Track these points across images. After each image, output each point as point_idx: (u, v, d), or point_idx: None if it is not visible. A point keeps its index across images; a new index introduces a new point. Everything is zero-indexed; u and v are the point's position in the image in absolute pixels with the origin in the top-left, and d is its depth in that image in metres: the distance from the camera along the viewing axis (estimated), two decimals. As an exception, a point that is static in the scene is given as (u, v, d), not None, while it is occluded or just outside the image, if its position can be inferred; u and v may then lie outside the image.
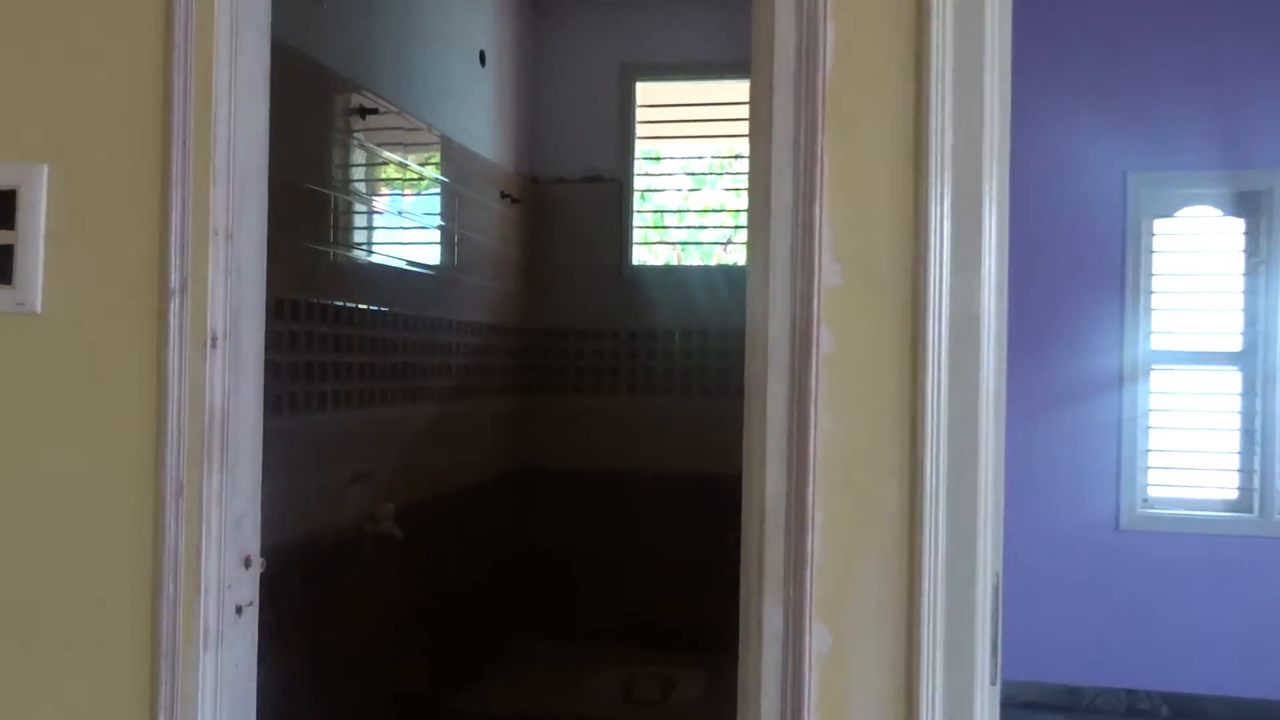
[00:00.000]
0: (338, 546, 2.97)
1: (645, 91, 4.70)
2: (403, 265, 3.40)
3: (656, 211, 4.74)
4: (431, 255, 3.66)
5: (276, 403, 2.64)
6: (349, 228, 3.05)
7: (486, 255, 4.19)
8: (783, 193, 1.21)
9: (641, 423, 4.64)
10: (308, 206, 2.80)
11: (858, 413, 1.21)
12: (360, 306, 3.09)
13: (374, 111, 3.10)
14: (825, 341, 1.21)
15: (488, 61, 4.18)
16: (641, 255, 4.72)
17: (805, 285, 1.20)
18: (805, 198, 1.20)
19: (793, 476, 1.20)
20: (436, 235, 3.71)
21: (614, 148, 4.69)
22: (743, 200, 4.60)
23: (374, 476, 3.15)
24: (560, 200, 4.74)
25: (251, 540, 1.36)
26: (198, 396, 1.30)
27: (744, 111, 4.42)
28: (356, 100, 3.04)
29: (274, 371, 2.63)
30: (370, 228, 3.21)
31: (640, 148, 4.70)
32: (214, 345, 1.29)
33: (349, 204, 3.03)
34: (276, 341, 2.63)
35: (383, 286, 3.27)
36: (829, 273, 1.20)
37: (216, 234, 1.30)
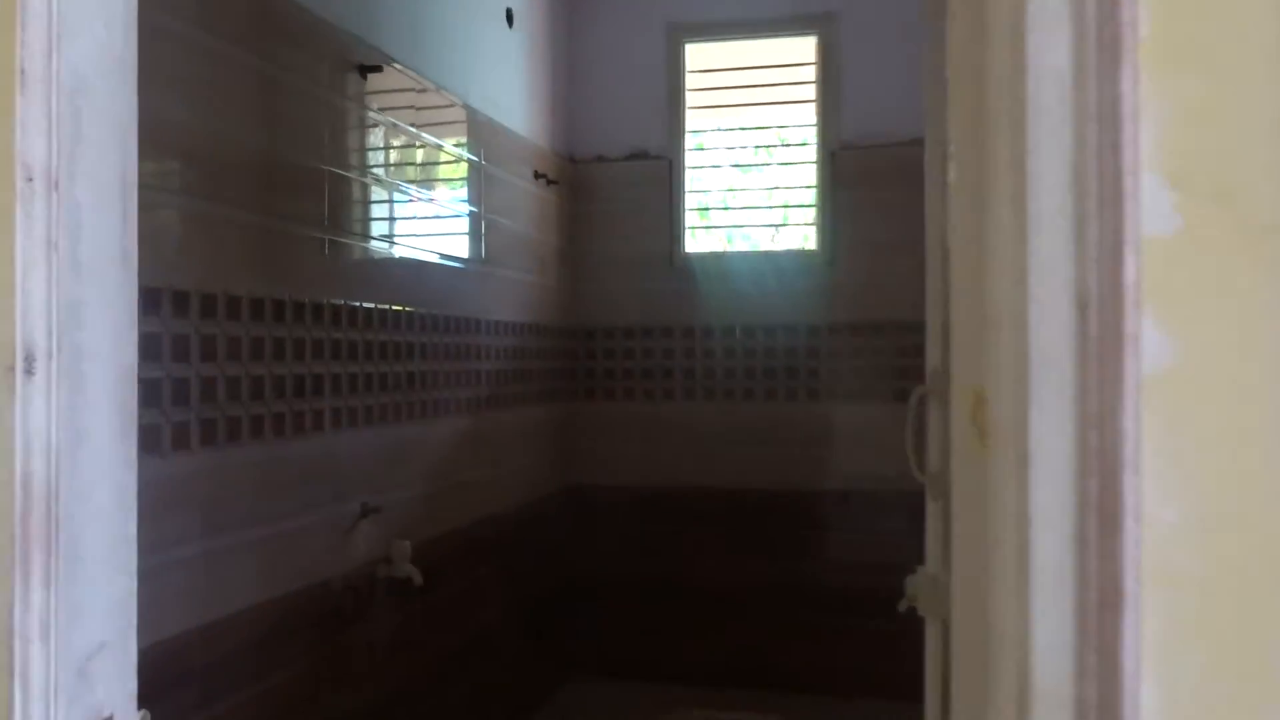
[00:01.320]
0: (343, 599, 2.44)
1: (696, 54, 4.13)
2: (420, 256, 2.87)
3: (711, 192, 4.16)
4: (455, 244, 3.13)
5: (256, 427, 2.11)
6: (350, 209, 2.52)
7: (520, 244, 3.65)
8: (1049, 53, 0.63)
9: (701, 432, 4.08)
10: (294, 182, 2.27)
11: (1228, 492, 0.62)
12: (367, 305, 2.56)
13: (376, 70, 2.56)
14: (1152, 348, 0.63)
15: (516, 22, 3.63)
16: (696, 241, 4.16)
17: (1106, 236, 0.62)
18: (1101, 64, 0.62)
19: (1091, 629, 0.61)
20: (461, 221, 3.17)
21: (662, 120, 4.13)
22: (805, 175, 4.02)
23: (387, 509, 2.62)
24: (602, 181, 4.18)
25: (116, 691, 0.82)
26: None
27: (810, 73, 3.70)
28: (354, 55, 2.51)
29: (252, 388, 2.13)
30: (378, 211, 2.67)
31: (692, 120, 4.13)
32: (28, 371, 0.75)
33: (348, 181, 2.50)
34: (256, 350, 2.10)
35: (395, 281, 2.74)
36: (1155, 213, 0.63)
37: (30, 180, 0.76)
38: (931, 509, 1.28)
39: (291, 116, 2.26)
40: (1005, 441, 0.65)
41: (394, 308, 2.70)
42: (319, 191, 2.37)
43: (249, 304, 2.09)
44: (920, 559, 1.69)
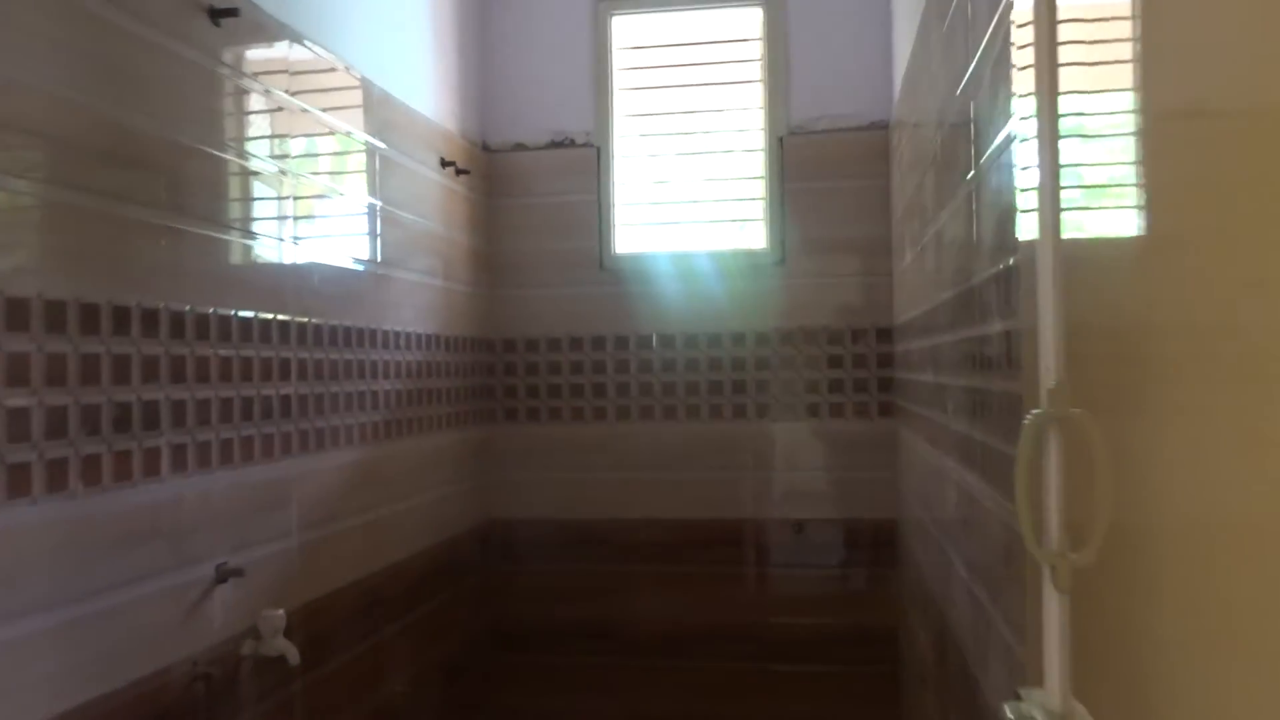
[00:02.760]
0: (193, 691, 1.89)
1: (626, 28, 3.66)
2: (298, 253, 2.33)
3: (646, 185, 3.68)
4: (344, 241, 2.59)
5: (56, 475, 1.55)
6: (199, 191, 1.97)
7: (425, 242, 3.13)
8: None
9: (637, 457, 3.59)
10: (119, 150, 1.73)
11: None
12: (223, 312, 2.02)
13: (230, 14, 2.03)
14: None
15: (417, -18, 3.11)
16: (629, 240, 3.67)
17: None
18: None
19: None
20: (351, 214, 2.64)
21: (588, 103, 3.64)
22: (751, 164, 3.57)
23: (253, 571, 2.07)
24: (521, 172, 3.68)
25: None
26: None
27: (750, 50, 3.18)
28: (203, -5, 1.97)
29: (51, 424, 1.56)
30: (240, 195, 2.13)
31: (622, 103, 3.66)
32: None
33: (198, 155, 1.95)
34: (55, 372, 1.56)
35: (264, 283, 2.19)
36: None
37: None
38: (1053, 603, 0.81)
39: (116, 65, 1.72)
40: None
41: (262, 316, 2.16)
42: (154, 165, 1.82)
43: (43, 308, 1.54)
44: (974, 651, 1.23)
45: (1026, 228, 1.18)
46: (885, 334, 3.44)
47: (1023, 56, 1.17)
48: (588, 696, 3.59)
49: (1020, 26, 1.21)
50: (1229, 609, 0.62)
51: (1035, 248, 0.88)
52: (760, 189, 3.56)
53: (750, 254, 3.57)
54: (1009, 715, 0.86)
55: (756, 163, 3.57)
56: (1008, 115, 1.35)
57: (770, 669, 3.49)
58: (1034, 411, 0.81)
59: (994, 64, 1.47)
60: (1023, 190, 1.18)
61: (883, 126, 3.43)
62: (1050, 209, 0.83)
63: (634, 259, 3.63)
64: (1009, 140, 1.35)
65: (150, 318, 1.79)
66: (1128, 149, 0.79)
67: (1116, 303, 0.77)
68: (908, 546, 3.01)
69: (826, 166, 3.50)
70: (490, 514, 3.63)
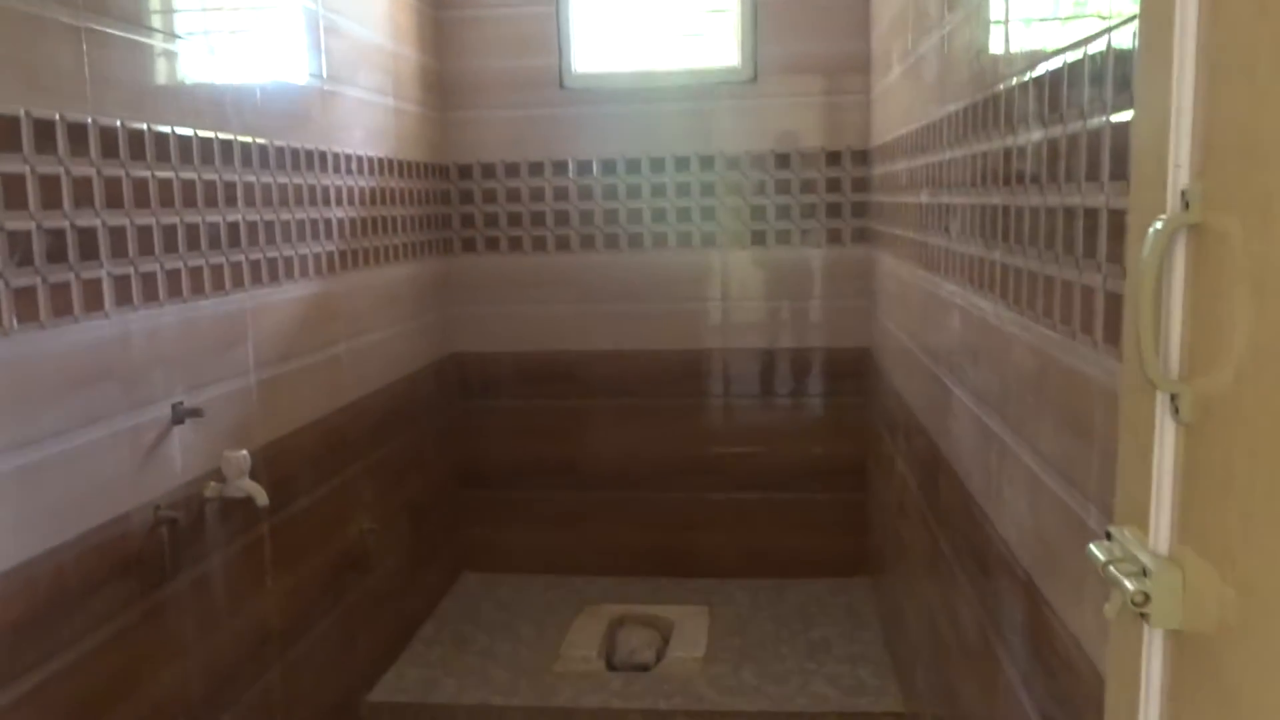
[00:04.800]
0: (153, 538, 1.78)
1: None
2: (236, 62, 2.10)
3: (606, -6, 3.41)
4: (284, 51, 2.35)
5: (-16, 311, 1.39)
6: (121, -12, 1.72)
7: (372, 56, 2.87)
8: None
9: (602, 286, 3.46)
10: (19, -66, 1.48)
11: None
12: (160, 129, 1.81)
13: None
14: None
15: None
16: (590, 58, 3.43)
17: None
18: None
19: None
20: (290, 20, 2.38)
21: (543, -98, 3.32)
22: (726, -27, 3.31)
23: (212, 410, 1.94)
24: (472, -21, 3.38)
25: None
26: None
27: None
28: None
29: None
30: (167, -6, 1.88)
31: (580, -99, 3.34)
32: None
33: (115, -57, 1.70)
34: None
35: (203, 97, 1.97)
36: None
37: None
38: (1169, 436, 0.72)
39: None
40: None
41: (202, 134, 1.95)
42: (66, -46, 1.57)
43: (-48, 120, 1.34)
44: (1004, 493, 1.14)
45: (1100, 22, 1.03)
46: (861, 156, 3.30)
47: None
48: (553, 530, 3.57)
49: None
50: None
51: (1155, 31, 0.75)
52: (731, 1, 3.32)
53: (720, 71, 3.35)
54: (1099, 555, 0.77)
55: (728, -30, 3.31)
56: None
57: (736, 498, 3.49)
58: (1166, 215, 0.69)
59: None
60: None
61: (864, -71, 3.18)
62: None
63: (596, 77, 3.39)
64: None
65: (77, 133, 1.58)
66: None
67: (1250, 105, 0.64)
68: (883, 375, 2.96)
69: (802, -25, 3.25)
70: (451, 349, 3.50)
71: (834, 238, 3.36)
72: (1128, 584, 0.71)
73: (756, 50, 3.30)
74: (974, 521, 1.66)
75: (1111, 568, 0.74)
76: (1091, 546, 0.79)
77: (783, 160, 3.34)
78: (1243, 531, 0.64)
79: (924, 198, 2.23)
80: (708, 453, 3.49)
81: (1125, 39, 0.98)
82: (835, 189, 3.34)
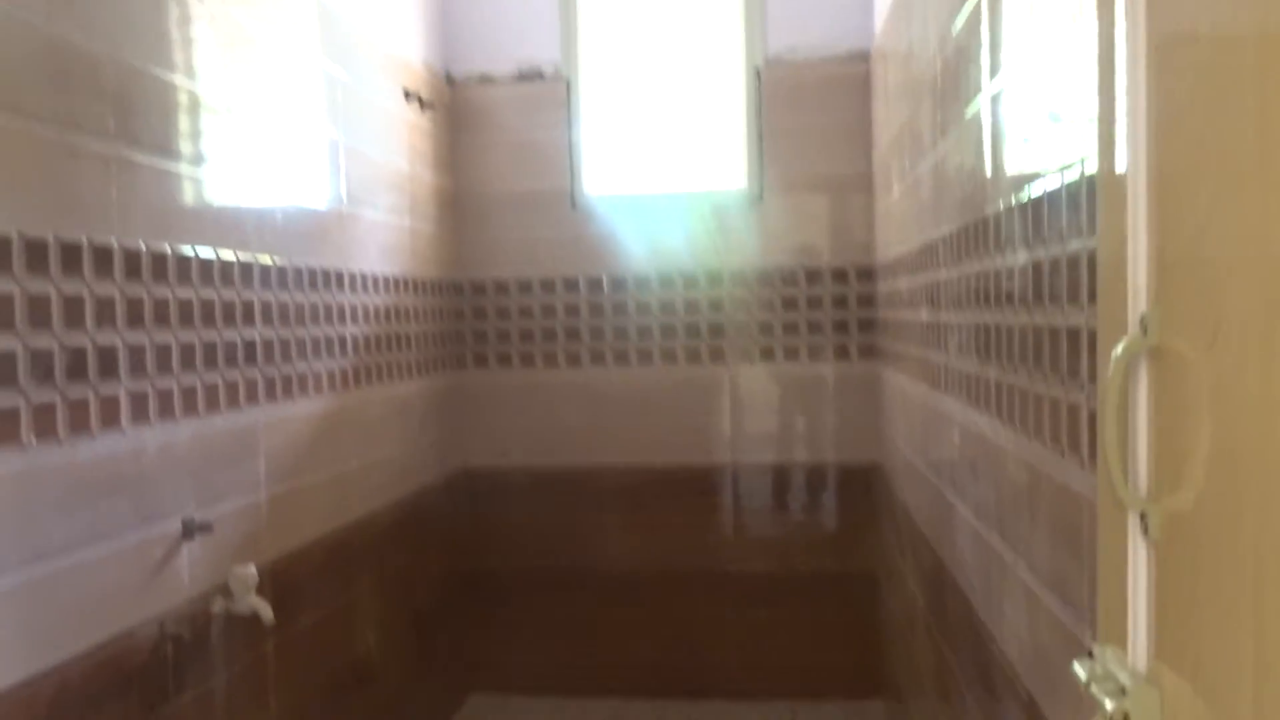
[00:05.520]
0: (161, 652, 1.78)
1: (596, -45, 3.49)
2: (260, 188, 2.19)
3: (618, 120, 3.54)
4: (307, 176, 2.45)
5: (7, 426, 1.43)
6: (152, 118, 1.82)
7: (388, 179, 2.98)
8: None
9: (612, 401, 3.50)
10: (61, 70, 1.57)
11: None
12: (183, 251, 1.88)
13: (183, -75, 1.86)
14: None
15: (376, -99, 2.93)
16: (600, 179, 3.54)
17: None
18: None
19: None
20: (313, 148, 2.49)
21: (557, 34, 3.49)
22: (729, 98, 3.44)
23: (222, 525, 1.96)
24: (487, 106, 3.52)
25: None
26: None
27: None
28: (149, -97, 1.80)
29: (3, 370, 1.44)
30: (195, 125, 1.97)
31: (593, 33, 3.50)
32: None
33: (150, 78, 1.80)
34: (3, 314, 1.43)
35: (226, 220, 2.05)
36: None
37: None
38: (1140, 554, 0.73)
39: (49, -24, 1.56)
40: None
41: (224, 255, 2.02)
42: (101, 88, 1.67)
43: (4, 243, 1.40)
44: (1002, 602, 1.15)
45: (1075, 151, 1.08)
46: (866, 273, 3.36)
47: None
48: (560, 646, 3.53)
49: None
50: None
51: (1110, 167, 0.79)
52: (738, 123, 3.44)
53: (727, 192, 3.46)
54: (1081, 674, 0.78)
55: (733, 96, 3.44)
56: (1042, 36, 1.25)
57: (747, 614, 3.45)
58: (1125, 339, 0.72)
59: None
60: (1087, 113, 1.08)
61: (863, 56, 3.32)
62: (1139, 122, 0.74)
63: (607, 198, 3.50)
64: (1042, 61, 1.26)
65: (103, 255, 1.65)
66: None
67: (1197, 231, 0.68)
68: (893, 490, 2.96)
69: (805, 98, 3.38)
70: (461, 462, 3.53)
71: (841, 353, 3.41)
72: (1108, 704, 0.71)
73: (763, 170, 3.41)
74: (979, 639, 1.65)
75: (1093, 686, 0.75)
76: (1075, 664, 0.80)
77: (790, 277, 3.41)
78: (1212, 648, 0.65)
79: (925, 315, 2.28)
80: (719, 566, 3.47)
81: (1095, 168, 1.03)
82: (842, 305, 3.40)
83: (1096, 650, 0.80)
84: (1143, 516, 0.73)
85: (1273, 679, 0.60)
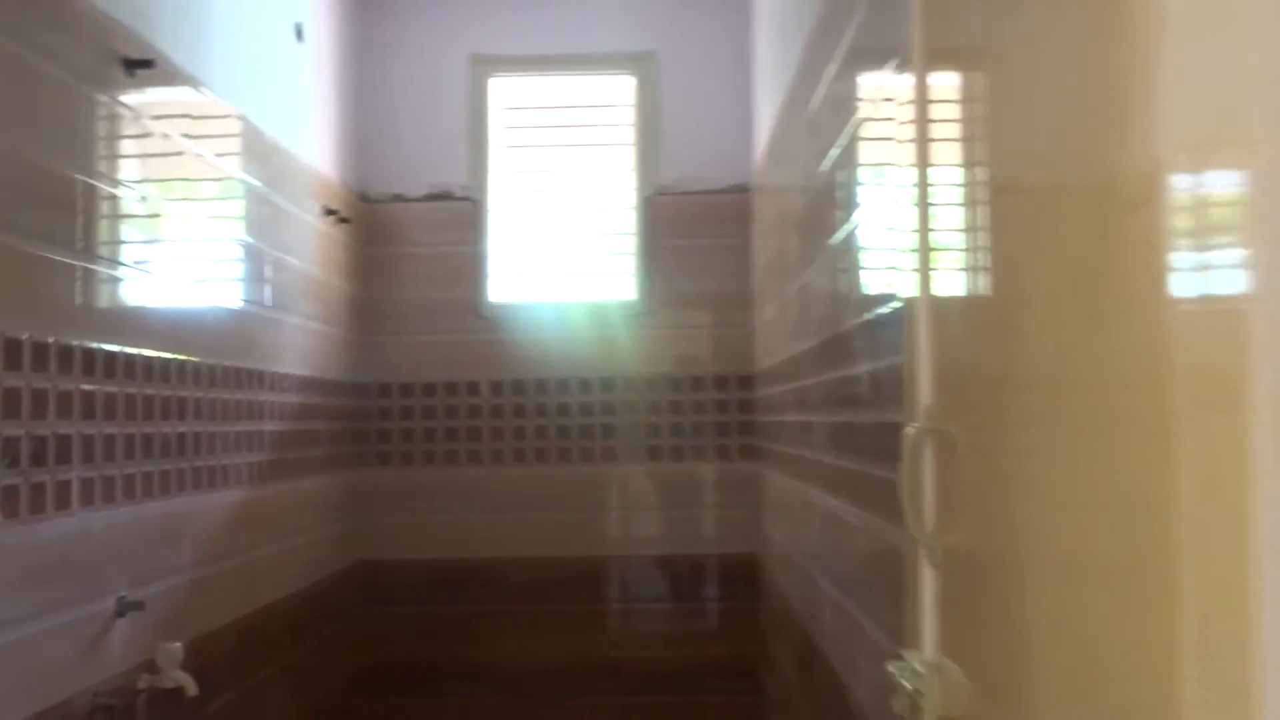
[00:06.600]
0: (94, 723, 1.90)
1: (504, 89, 3.84)
2: (195, 294, 2.39)
3: (521, 237, 3.85)
4: (236, 284, 2.66)
5: (-22, 505, 1.59)
6: (109, 232, 2.03)
7: (307, 287, 3.20)
8: None
9: (511, 498, 3.71)
10: (35, 191, 1.78)
11: None
12: (130, 351, 2.07)
13: (146, 65, 2.11)
14: None
15: (306, 37, 3.22)
16: (504, 290, 3.82)
17: None
18: None
19: None
20: (243, 258, 2.70)
21: (466, 158, 3.80)
22: (623, 220, 3.79)
23: (152, 604, 2.11)
24: (400, 222, 3.79)
25: None
26: None
27: (622, 115, 3.45)
28: (120, 45, 2.04)
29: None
30: (143, 237, 2.18)
31: (500, 159, 3.83)
32: None
33: (108, 198, 2.02)
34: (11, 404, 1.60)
35: (165, 323, 2.25)
36: None
37: None
38: (928, 577, 1.02)
39: (36, 109, 1.78)
40: None
41: (163, 355, 2.21)
42: (69, 207, 1.88)
43: (-29, 342, 1.59)
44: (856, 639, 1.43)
45: (899, 282, 1.41)
46: (746, 380, 3.70)
47: (884, 138, 1.41)
48: (458, 736, 3.65)
49: (877, 121, 1.45)
50: (1069, 600, 0.83)
51: (912, 297, 1.10)
52: (630, 244, 3.79)
53: (619, 304, 3.78)
54: (893, 671, 1.05)
55: (627, 219, 3.79)
56: (875, 185, 1.59)
57: (635, 702, 3.64)
58: (914, 424, 1.02)
59: (851, 144, 1.72)
60: (898, 250, 1.41)
61: (743, 189, 3.72)
62: (924, 265, 1.06)
63: (510, 307, 3.78)
64: (875, 209, 1.60)
65: (66, 354, 1.83)
66: (971, 217, 1.02)
67: (976, 351, 0.99)
68: (771, 579, 3.23)
69: (691, 225, 3.75)
70: (361, 556, 3.67)
71: (722, 454, 3.71)
72: (906, 684, 0.99)
73: (652, 286, 3.74)
74: (837, 694, 1.92)
75: (898, 677, 1.02)
76: (888, 665, 1.07)
77: (676, 383, 3.72)
78: (977, 643, 0.93)
79: (795, 416, 2.60)
80: (610, 656, 3.66)
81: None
82: (723, 410, 3.72)
83: (905, 654, 1.07)
84: (930, 550, 1.02)
85: (1021, 663, 0.88)
